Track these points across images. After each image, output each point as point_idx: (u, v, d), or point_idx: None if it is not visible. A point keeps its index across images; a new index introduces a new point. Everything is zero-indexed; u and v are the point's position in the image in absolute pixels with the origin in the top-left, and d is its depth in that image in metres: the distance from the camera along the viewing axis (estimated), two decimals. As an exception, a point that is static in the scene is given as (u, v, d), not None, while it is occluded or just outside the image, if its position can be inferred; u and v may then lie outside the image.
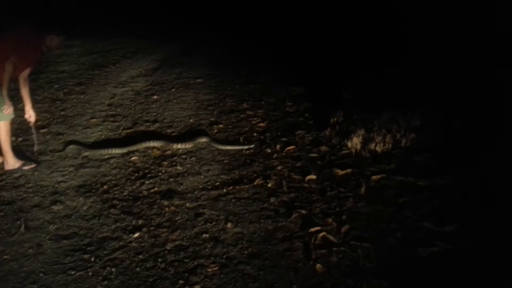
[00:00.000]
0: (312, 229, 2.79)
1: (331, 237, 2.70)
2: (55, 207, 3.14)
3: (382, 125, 3.84)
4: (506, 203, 2.89)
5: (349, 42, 7.52)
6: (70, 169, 3.72)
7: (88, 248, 2.68)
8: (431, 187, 3.18)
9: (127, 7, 12.20)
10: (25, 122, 3.85)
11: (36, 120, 3.85)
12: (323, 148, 3.94)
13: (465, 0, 6.41)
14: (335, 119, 4.23)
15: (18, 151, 3.89)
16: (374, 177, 3.36)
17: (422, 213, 2.89)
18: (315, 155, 3.86)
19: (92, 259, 2.58)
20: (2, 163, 3.70)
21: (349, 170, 3.50)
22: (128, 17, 11.71)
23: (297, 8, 10.97)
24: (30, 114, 3.71)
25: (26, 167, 3.69)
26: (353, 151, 3.79)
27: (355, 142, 3.78)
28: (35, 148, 3.99)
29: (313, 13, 10.28)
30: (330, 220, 2.89)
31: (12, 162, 3.67)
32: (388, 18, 7.83)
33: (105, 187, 3.42)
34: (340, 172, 3.49)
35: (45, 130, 4.49)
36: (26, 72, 3.55)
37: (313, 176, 3.47)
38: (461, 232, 2.67)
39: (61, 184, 3.48)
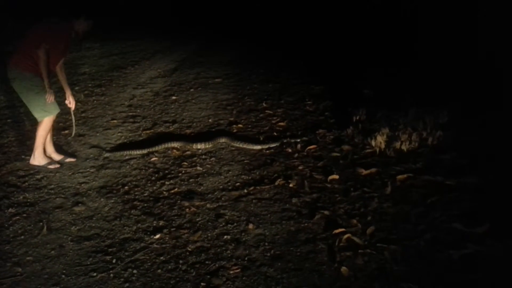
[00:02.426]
0: (336, 231, 2.70)
1: (356, 239, 2.61)
2: (76, 208, 3.14)
3: (407, 123, 3.71)
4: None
5: (364, 39, 7.41)
6: (91, 170, 3.73)
7: (110, 250, 2.66)
8: (460, 187, 3.05)
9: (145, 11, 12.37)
10: (66, 107, 3.91)
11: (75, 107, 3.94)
12: (346, 147, 3.84)
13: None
14: (357, 117, 4.13)
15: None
16: (399, 176, 3.25)
17: (452, 213, 2.77)
18: (338, 154, 3.77)
19: (114, 261, 2.56)
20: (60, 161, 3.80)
21: (373, 170, 3.40)
22: (147, 20, 11.82)
23: (311, 8, 10.91)
24: (70, 100, 3.82)
25: (51, 166, 3.72)
26: (377, 150, 3.68)
27: (379, 140, 3.67)
28: (73, 133, 4.09)
29: (327, 12, 10.19)
30: (354, 221, 2.79)
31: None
32: (400, 14, 7.69)
33: (126, 188, 3.41)
34: (364, 172, 3.39)
35: (66, 132, 4.52)
36: (61, 59, 3.63)
37: (335, 176, 3.38)
38: (494, 233, 2.54)
39: (82, 185, 3.49)
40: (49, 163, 3.74)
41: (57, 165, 3.77)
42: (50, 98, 3.49)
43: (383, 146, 3.66)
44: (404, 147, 3.59)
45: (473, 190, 3.00)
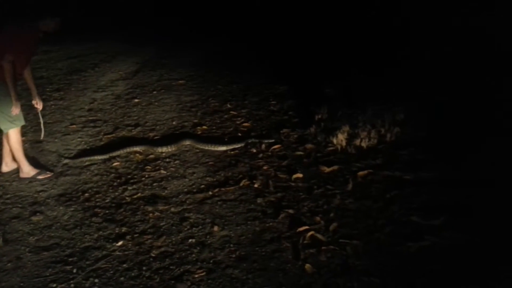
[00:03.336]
0: (300, 229, 2.75)
1: (319, 236, 2.66)
2: (34, 218, 3.03)
3: (367, 120, 3.82)
4: (492, 195, 2.89)
5: (329, 42, 7.52)
6: (50, 178, 3.60)
7: (70, 259, 2.59)
8: (418, 181, 3.17)
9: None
10: (32, 108, 3.78)
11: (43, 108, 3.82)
12: (309, 145, 3.91)
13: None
14: (319, 116, 4.20)
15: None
16: (360, 173, 3.34)
17: (410, 207, 2.87)
18: (301, 153, 3.82)
19: (75, 271, 2.49)
20: (17, 169, 3.65)
21: (335, 167, 3.47)
22: (108, 21, 11.53)
23: (279, 9, 10.94)
24: (36, 101, 3.70)
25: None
26: (339, 147, 3.76)
27: (340, 138, 3.75)
28: (42, 135, 3.95)
29: (294, 15, 10.25)
30: (318, 218, 2.85)
31: (27, 170, 3.58)
32: (371, 15, 7.87)
33: (86, 195, 3.32)
34: (327, 169, 3.45)
35: (23, 138, 4.33)
36: (29, 62, 3.51)
37: (299, 175, 3.42)
38: (450, 225, 2.66)
39: (40, 193, 3.36)
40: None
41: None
42: (15, 110, 3.38)
43: (344, 143, 3.74)
44: (364, 144, 3.69)
45: (429, 184, 3.12)
